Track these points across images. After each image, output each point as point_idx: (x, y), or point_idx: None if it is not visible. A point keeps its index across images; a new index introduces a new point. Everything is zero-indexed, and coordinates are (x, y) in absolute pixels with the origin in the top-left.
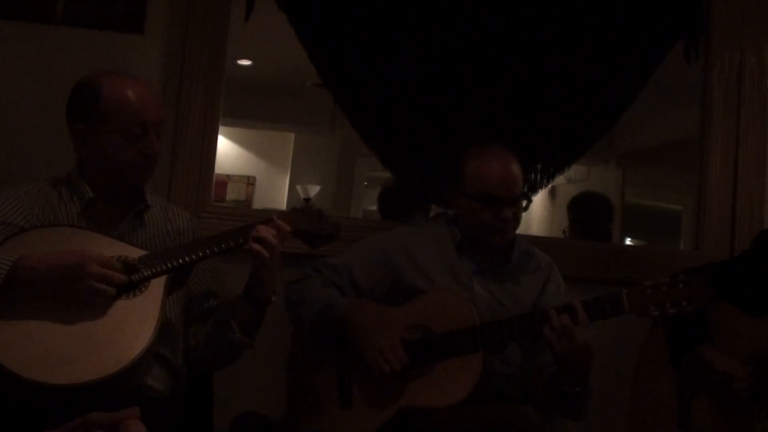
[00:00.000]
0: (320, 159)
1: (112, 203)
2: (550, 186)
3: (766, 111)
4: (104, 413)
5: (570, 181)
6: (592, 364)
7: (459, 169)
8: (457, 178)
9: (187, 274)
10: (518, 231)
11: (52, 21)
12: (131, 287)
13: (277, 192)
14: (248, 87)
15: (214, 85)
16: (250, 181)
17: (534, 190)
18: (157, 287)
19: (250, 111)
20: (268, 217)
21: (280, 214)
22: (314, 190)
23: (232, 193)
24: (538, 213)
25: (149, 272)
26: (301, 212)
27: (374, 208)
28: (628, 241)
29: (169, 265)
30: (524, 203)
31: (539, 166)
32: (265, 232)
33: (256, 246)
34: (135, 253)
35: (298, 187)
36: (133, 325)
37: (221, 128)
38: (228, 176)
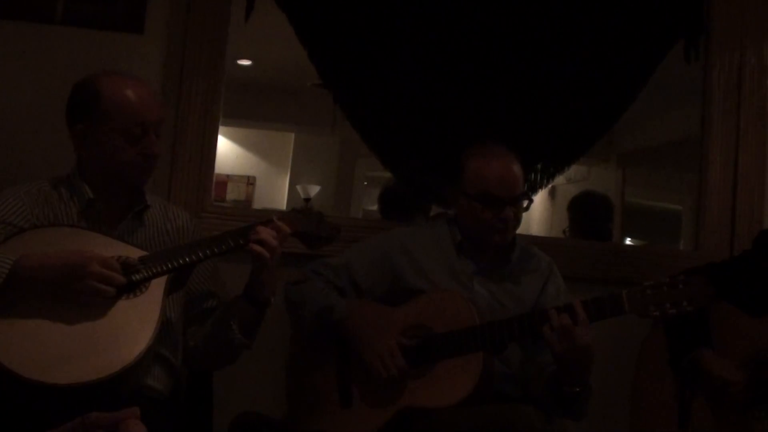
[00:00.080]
0: (320, 159)
1: (112, 203)
2: (550, 186)
3: (766, 111)
4: (104, 413)
5: (570, 181)
6: (592, 364)
7: (459, 169)
8: (457, 178)
9: (187, 275)
10: (518, 231)
11: (52, 21)
12: (131, 288)
13: (277, 192)
14: (248, 87)
15: (214, 85)
16: (250, 181)
17: (534, 190)
18: (157, 288)
19: (250, 111)
20: (268, 217)
21: (280, 215)
22: (314, 190)
23: (232, 193)
24: (538, 213)
25: (149, 273)
26: (301, 214)
27: (374, 208)
28: (628, 241)
29: (169, 265)
30: (525, 203)
31: (539, 166)
32: (266, 233)
33: (257, 247)
34: (135, 253)
35: (298, 187)
36: (134, 326)
37: (221, 128)
38: (228, 176)
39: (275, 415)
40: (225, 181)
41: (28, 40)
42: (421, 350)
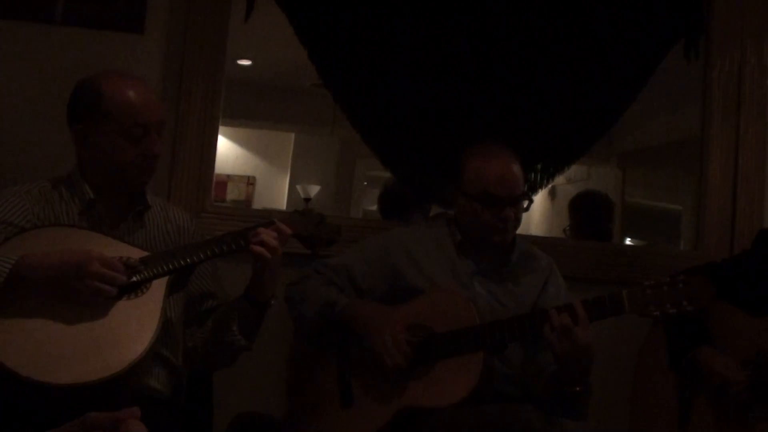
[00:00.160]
0: (320, 159)
1: (113, 204)
2: (550, 186)
3: (766, 111)
4: (104, 413)
5: (570, 181)
6: (592, 364)
7: (459, 169)
8: (457, 177)
9: (188, 276)
10: (518, 231)
11: (52, 21)
12: (133, 288)
13: (277, 192)
14: (248, 87)
15: (214, 85)
16: (250, 181)
17: (534, 190)
18: (158, 288)
19: (250, 111)
20: (268, 218)
21: (281, 216)
22: (314, 190)
23: (232, 193)
24: (538, 213)
25: (150, 273)
26: (301, 215)
27: (374, 208)
28: (628, 241)
29: (170, 266)
30: (525, 203)
31: (539, 166)
32: (267, 234)
33: (258, 248)
34: (136, 253)
35: (298, 187)
36: (135, 326)
37: (221, 128)
38: (228, 176)
39: (275, 415)
40: (225, 181)
41: (28, 40)
42: (422, 350)
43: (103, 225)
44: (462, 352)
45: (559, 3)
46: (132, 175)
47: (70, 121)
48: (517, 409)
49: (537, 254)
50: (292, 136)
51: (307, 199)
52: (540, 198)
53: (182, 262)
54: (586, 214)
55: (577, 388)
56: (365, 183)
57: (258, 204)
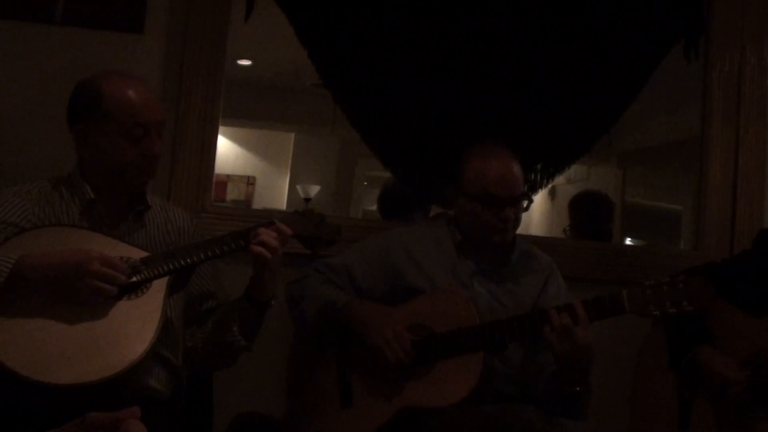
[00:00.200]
0: (320, 159)
1: (113, 204)
2: (550, 186)
3: (766, 111)
4: (104, 413)
5: (570, 181)
6: (592, 364)
7: (459, 169)
8: (457, 177)
9: (188, 276)
10: (518, 231)
11: (52, 21)
12: (133, 288)
13: (277, 192)
14: (248, 87)
15: (214, 85)
16: (250, 181)
17: (534, 190)
18: (158, 288)
19: (250, 111)
20: (269, 219)
21: (281, 216)
22: (314, 190)
23: (232, 193)
24: (538, 213)
25: (151, 273)
26: (302, 215)
27: (374, 208)
28: (628, 241)
29: (171, 266)
30: (525, 203)
31: (539, 166)
32: (267, 235)
33: (258, 248)
34: (136, 254)
35: (298, 187)
36: (135, 326)
37: (221, 128)
38: (228, 176)
39: (275, 415)
40: (225, 181)
41: (28, 40)
42: (422, 350)
43: (103, 225)
44: (462, 352)
45: (559, 3)
46: (132, 176)
47: (71, 121)
48: (517, 409)
49: (537, 254)
50: (292, 136)
51: (307, 199)
52: (540, 198)
53: (183, 263)
54: (586, 214)
55: (577, 388)
56: (365, 183)
57: (258, 204)
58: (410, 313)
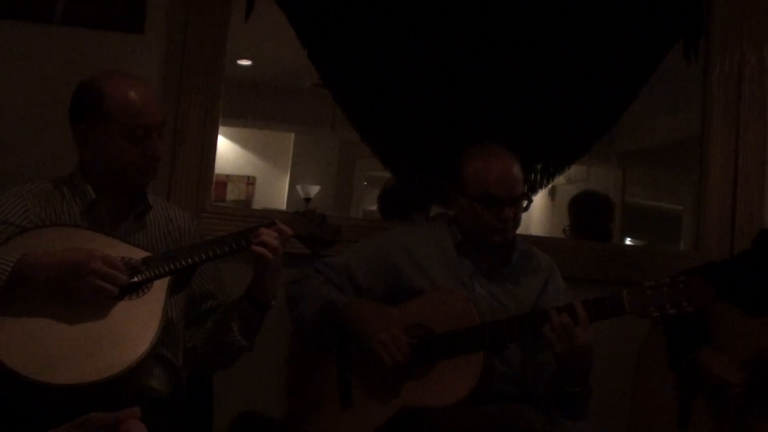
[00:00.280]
0: (320, 159)
1: (114, 204)
2: (550, 186)
3: (766, 111)
4: (104, 413)
5: (570, 181)
6: (592, 364)
7: (459, 169)
8: (457, 178)
9: (189, 276)
10: (518, 231)
11: (52, 21)
12: (134, 288)
13: (277, 192)
14: (248, 87)
15: (214, 84)
16: (250, 181)
17: (534, 190)
18: (159, 289)
19: (250, 111)
20: (269, 219)
21: (281, 216)
22: (314, 190)
23: (232, 193)
24: (538, 213)
25: (152, 274)
26: (303, 216)
27: (374, 208)
28: (628, 241)
29: (172, 266)
30: (525, 204)
31: (539, 166)
32: (268, 235)
33: (259, 248)
34: (138, 254)
35: (298, 187)
36: (136, 327)
37: (221, 128)
38: (228, 176)
39: (275, 415)
40: (225, 181)
41: (28, 40)
42: (422, 350)
43: (104, 225)
44: (462, 352)
45: (560, 3)
46: (133, 176)
47: (72, 120)
48: (517, 409)
49: (537, 254)
50: (292, 136)
51: (307, 199)
52: (540, 198)
53: (184, 263)
54: (586, 214)
55: (577, 389)
56: (365, 183)
57: (258, 204)
58: (410, 313)
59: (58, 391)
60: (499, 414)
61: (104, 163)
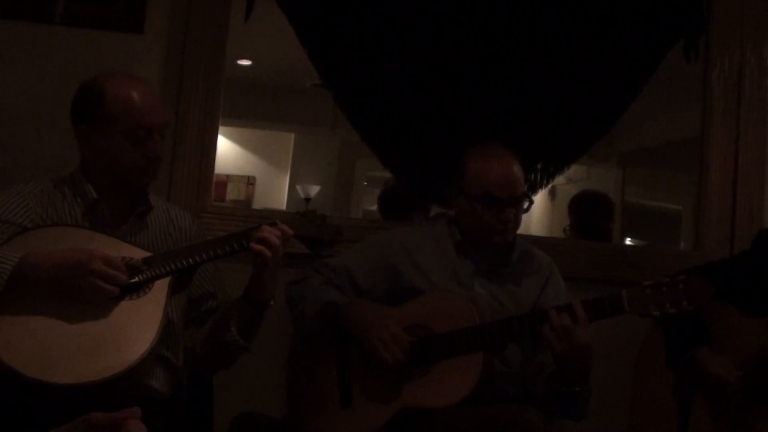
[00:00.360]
0: (320, 159)
1: (115, 204)
2: (550, 186)
3: (766, 111)
4: (105, 413)
5: (570, 181)
6: (591, 364)
7: (459, 169)
8: (458, 178)
9: (190, 276)
10: (518, 231)
11: (52, 21)
12: (135, 288)
13: (277, 192)
14: (248, 87)
15: (214, 84)
16: (250, 181)
17: (534, 190)
18: (160, 289)
19: (250, 111)
20: (270, 219)
21: (282, 217)
22: (314, 190)
23: (232, 193)
24: (538, 213)
25: (153, 274)
26: (304, 216)
27: (374, 208)
28: (628, 241)
29: (173, 266)
30: (525, 204)
31: (539, 166)
32: (269, 233)
33: (258, 246)
34: (139, 254)
35: (298, 187)
36: (137, 327)
37: (221, 128)
38: (228, 176)
39: (275, 415)
40: (225, 181)
41: (28, 40)
42: (421, 350)
43: (105, 225)
44: (462, 353)
45: (560, 3)
46: (134, 177)
47: (74, 120)
48: (517, 409)
49: (537, 254)
50: (292, 136)
51: (307, 199)
52: (540, 198)
53: (185, 263)
54: (586, 214)
55: (577, 388)
56: (365, 183)
57: (258, 204)
58: (410, 314)
59: (59, 390)
60: (499, 414)
61: (105, 163)
